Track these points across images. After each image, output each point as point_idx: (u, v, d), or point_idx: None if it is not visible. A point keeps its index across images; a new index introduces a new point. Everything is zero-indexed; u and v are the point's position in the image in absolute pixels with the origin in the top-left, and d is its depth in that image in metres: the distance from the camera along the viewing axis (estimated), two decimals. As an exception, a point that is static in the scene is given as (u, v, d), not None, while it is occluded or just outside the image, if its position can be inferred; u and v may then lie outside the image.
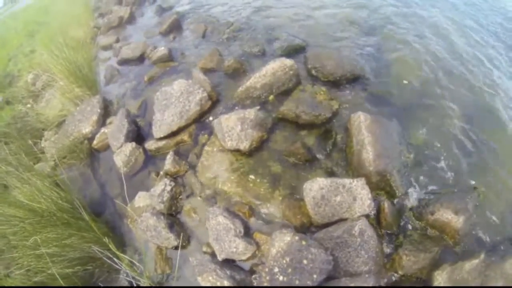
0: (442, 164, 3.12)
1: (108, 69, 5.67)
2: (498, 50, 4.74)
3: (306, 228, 2.75)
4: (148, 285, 2.79)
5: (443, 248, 2.61)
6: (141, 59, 5.48)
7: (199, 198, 3.11)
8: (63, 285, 2.59)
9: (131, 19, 8.09)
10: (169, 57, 4.99)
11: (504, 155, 3.26)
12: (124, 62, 5.67)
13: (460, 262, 2.49)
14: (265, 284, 2.33)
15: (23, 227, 3.10)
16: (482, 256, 2.51)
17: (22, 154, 4.28)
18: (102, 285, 3.01)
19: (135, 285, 2.80)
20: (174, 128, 3.54)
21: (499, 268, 2.50)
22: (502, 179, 3.08)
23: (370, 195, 2.66)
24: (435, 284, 2.48)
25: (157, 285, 2.88)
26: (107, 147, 4.14)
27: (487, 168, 3.14)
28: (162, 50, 5.08)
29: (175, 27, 6.04)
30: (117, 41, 6.85)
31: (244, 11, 5.72)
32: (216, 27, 5.36)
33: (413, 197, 2.90)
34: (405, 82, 3.82)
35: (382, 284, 2.52)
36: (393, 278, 2.55)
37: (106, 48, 6.86)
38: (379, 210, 2.76)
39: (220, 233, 2.65)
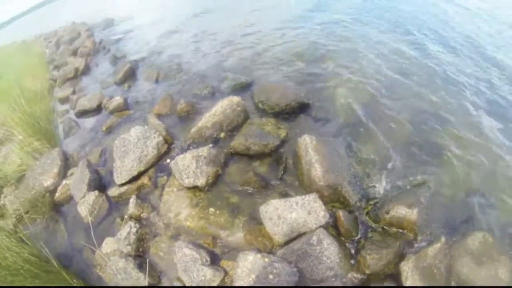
0: (390, 167, 3.30)
1: (67, 121, 5.63)
2: (438, 62, 5.09)
3: (270, 248, 2.83)
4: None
5: (405, 241, 2.71)
6: (98, 109, 5.50)
7: (164, 236, 3.15)
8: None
9: (87, 70, 8.10)
10: (125, 106, 5.07)
11: (444, 151, 3.49)
12: (81, 113, 5.66)
13: (423, 250, 2.58)
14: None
15: None
16: (443, 239, 2.64)
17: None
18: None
19: None
20: (135, 173, 3.60)
21: (462, 246, 2.62)
22: (448, 170, 3.30)
23: (323, 207, 2.77)
24: (403, 274, 2.52)
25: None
26: (70, 198, 4.08)
27: (433, 164, 3.36)
28: (118, 100, 5.15)
29: (130, 75, 6.15)
30: (74, 92, 6.82)
31: (193, 56, 5.99)
32: (168, 73, 5.55)
33: (367, 202, 3.04)
34: (348, 101, 4.04)
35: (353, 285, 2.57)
36: (362, 278, 2.60)
37: (63, 100, 6.80)
38: (336, 219, 2.86)
39: (188, 264, 2.71)
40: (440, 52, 5.44)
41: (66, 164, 4.58)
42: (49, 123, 5.73)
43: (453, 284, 2.55)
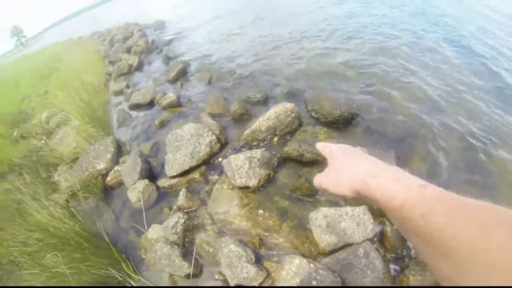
0: (446, 186, 3.17)
1: (120, 113, 5.85)
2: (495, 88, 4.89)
3: (315, 255, 2.82)
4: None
5: None
6: (151, 104, 5.69)
7: (210, 231, 3.20)
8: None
9: (140, 66, 8.41)
10: (177, 103, 5.21)
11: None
12: (135, 107, 5.86)
13: None
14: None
15: (41, 247, 3.18)
16: None
17: (37, 184, 4.35)
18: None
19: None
20: (186, 167, 3.69)
21: None
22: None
23: (372, 220, 2.75)
24: None
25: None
26: (120, 184, 4.25)
27: (483, 192, 3.18)
28: (171, 97, 5.30)
29: (182, 75, 6.33)
30: (128, 87, 7.10)
31: (245, 59, 6.08)
32: (220, 75, 5.66)
33: None
34: (399, 117, 4.00)
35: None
36: None
37: (117, 93, 7.09)
38: (383, 235, 2.81)
39: (232, 260, 2.74)
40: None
41: (119, 151, 4.77)
42: (105, 113, 6.01)
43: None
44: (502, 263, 0.36)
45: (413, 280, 2.48)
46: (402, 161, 3.45)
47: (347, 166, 0.73)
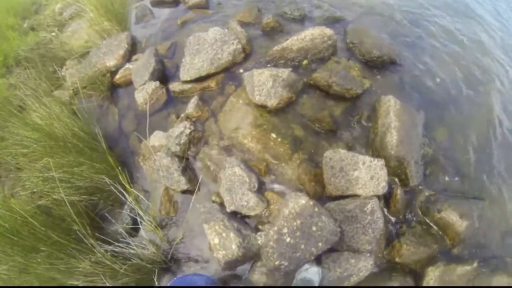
0: (459, 167, 3.07)
1: (141, 7, 5.46)
2: None
3: (318, 196, 2.71)
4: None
5: (441, 247, 2.63)
6: (176, 2, 5.27)
7: (216, 147, 3.02)
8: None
9: (168, -38, 7.77)
10: (205, 5, 4.79)
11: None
12: (157, 3, 5.46)
13: (453, 265, 2.52)
14: (271, 243, 2.31)
15: (36, 149, 3.07)
16: (475, 264, 2.56)
17: (42, 79, 4.19)
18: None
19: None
20: (203, 73, 3.42)
21: (486, 281, 2.55)
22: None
23: (386, 178, 2.62)
24: (426, 279, 2.51)
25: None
26: (129, 83, 4.01)
27: (503, 183, 3.07)
28: (200, -4, 4.87)
29: (216, -23, 5.79)
30: (153, -19, 6.61)
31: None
32: (257, -15, 5.12)
33: (424, 191, 2.88)
34: (438, 80, 3.70)
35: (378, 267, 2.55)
36: (389, 264, 2.57)
37: (140, -13, 6.61)
38: (390, 195, 2.73)
39: (234, 184, 2.58)
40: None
41: (133, 49, 4.48)
42: (123, 6, 5.60)
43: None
44: None
45: (405, 249, 2.51)
46: (429, 126, 3.26)
47: None
